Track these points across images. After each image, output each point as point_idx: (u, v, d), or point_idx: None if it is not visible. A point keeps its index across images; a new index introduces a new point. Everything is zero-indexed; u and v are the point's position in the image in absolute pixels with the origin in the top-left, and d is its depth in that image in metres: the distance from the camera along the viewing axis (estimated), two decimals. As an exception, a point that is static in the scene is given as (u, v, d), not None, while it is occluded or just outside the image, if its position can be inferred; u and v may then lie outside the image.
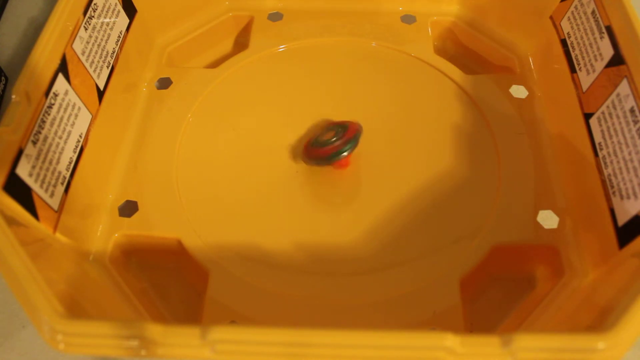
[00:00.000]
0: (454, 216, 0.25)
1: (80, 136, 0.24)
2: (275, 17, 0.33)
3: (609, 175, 0.23)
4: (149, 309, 0.23)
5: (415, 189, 0.26)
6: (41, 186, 0.21)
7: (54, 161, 0.22)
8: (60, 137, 0.23)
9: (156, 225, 0.25)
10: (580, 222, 0.24)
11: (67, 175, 0.23)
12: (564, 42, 0.28)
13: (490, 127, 0.28)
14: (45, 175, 0.22)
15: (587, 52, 0.26)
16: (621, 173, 0.22)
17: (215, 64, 0.31)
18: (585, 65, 0.26)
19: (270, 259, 0.24)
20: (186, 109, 0.29)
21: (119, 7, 0.28)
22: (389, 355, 0.15)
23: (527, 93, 0.29)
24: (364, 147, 0.27)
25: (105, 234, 0.24)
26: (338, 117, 0.29)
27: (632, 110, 0.22)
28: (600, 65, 0.24)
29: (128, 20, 0.29)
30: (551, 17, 0.29)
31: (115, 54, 0.28)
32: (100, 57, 0.26)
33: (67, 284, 0.20)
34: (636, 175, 0.21)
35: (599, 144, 0.24)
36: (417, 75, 0.30)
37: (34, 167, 0.21)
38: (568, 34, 0.27)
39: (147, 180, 0.26)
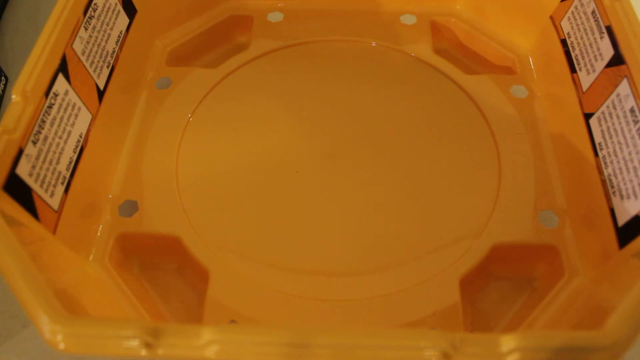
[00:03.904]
0: (454, 216, 0.25)
1: (81, 136, 0.24)
2: (275, 17, 0.33)
3: (609, 175, 0.23)
4: (149, 309, 0.23)
5: (415, 188, 0.26)
6: (41, 186, 0.21)
7: (54, 161, 0.22)
8: (60, 137, 0.23)
9: (156, 224, 0.25)
10: (580, 222, 0.24)
11: (67, 175, 0.23)
12: (564, 42, 0.28)
13: (490, 127, 0.28)
14: (45, 175, 0.22)
15: (587, 52, 0.26)
16: (621, 173, 0.22)
17: (215, 64, 0.31)
18: (585, 65, 0.26)
19: (271, 258, 0.24)
20: (186, 109, 0.29)
21: (119, 7, 0.28)
22: (389, 355, 0.15)
23: (527, 93, 0.29)
24: (364, 147, 0.27)
25: (105, 234, 0.24)
26: (337, 117, 0.29)
27: (632, 110, 0.22)
28: (600, 65, 0.24)
29: (128, 20, 0.29)
30: (551, 17, 0.29)
31: (115, 54, 0.28)
32: (100, 57, 0.26)
33: (67, 284, 0.20)
34: (636, 175, 0.21)
35: (599, 144, 0.24)
36: (417, 75, 0.30)
37: (34, 167, 0.21)
38: (568, 34, 0.27)
39: (147, 180, 0.26)
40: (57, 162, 0.22)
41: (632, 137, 0.22)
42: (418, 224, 0.25)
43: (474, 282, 0.24)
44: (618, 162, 0.22)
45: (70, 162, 0.23)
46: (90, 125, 0.25)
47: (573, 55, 0.27)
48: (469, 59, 0.33)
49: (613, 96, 0.23)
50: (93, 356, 0.16)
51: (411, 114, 0.29)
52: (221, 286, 0.23)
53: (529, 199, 0.25)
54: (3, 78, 0.31)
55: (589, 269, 0.23)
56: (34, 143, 0.21)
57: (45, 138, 0.22)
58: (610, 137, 0.23)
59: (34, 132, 0.21)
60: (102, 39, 0.27)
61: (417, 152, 0.27)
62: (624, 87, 0.22)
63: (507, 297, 0.24)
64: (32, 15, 0.36)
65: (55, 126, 0.22)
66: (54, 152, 0.22)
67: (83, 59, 0.25)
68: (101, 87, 0.26)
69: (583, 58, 0.26)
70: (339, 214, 0.25)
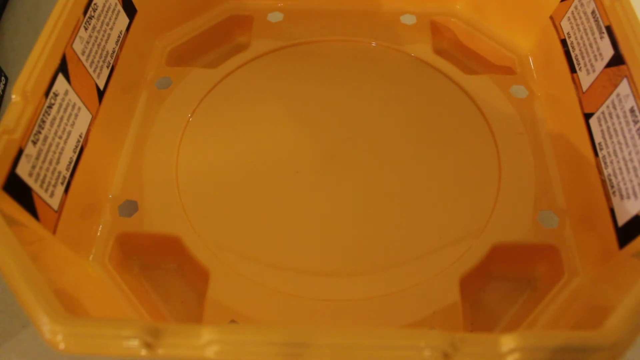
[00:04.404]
0: (454, 216, 0.25)
1: (80, 136, 0.24)
2: (275, 17, 0.33)
3: (609, 175, 0.23)
4: (149, 309, 0.23)
5: (414, 188, 0.26)
6: (41, 186, 0.21)
7: (54, 161, 0.22)
8: (60, 137, 0.23)
9: (156, 224, 0.25)
10: (580, 222, 0.24)
11: (67, 175, 0.23)
12: (564, 42, 0.28)
13: (490, 127, 0.28)
14: (45, 175, 0.22)
15: (587, 52, 0.26)
16: (621, 173, 0.22)
17: (215, 64, 0.31)
18: (585, 65, 0.26)
19: (271, 258, 0.24)
20: (186, 109, 0.29)
21: (119, 7, 0.28)
22: (389, 355, 0.15)
23: (527, 93, 0.29)
24: (364, 147, 0.27)
25: (105, 234, 0.24)
26: (337, 117, 0.29)
27: (632, 110, 0.22)
28: (600, 65, 0.24)
29: (128, 20, 0.29)
30: (551, 17, 0.29)
31: (115, 54, 0.28)
32: (100, 57, 0.26)
33: (67, 284, 0.20)
34: (636, 175, 0.21)
35: (599, 144, 0.24)
36: (417, 75, 0.30)
37: (34, 167, 0.21)
38: (568, 34, 0.27)
39: (147, 180, 0.26)
40: (57, 162, 0.22)
41: (632, 137, 0.22)
42: (418, 224, 0.25)
43: (474, 282, 0.24)
44: (618, 162, 0.22)
45: (70, 162, 0.23)
46: (90, 125, 0.25)
47: (573, 55, 0.27)
48: (469, 59, 0.33)
49: (613, 96, 0.23)
50: (93, 356, 0.16)
51: (411, 114, 0.29)
52: (221, 286, 0.23)
53: (529, 199, 0.25)
54: (3, 78, 0.31)
55: (589, 269, 0.23)
56: (34, 143, 0.21)
57: (45, 138, 0.22)
58: (610, 137, 0.23)
59: (34, 132, 0.21)
60: (102, 39, 0.27)
61: (417, 152, 0.27)
62: (624, 87, 0.22)
63: (507, 297, 0.24)
64: (32, 15, 0.36)
65: (55, 126, 0.22)
66: (54, 152, 0.22)
67: (83, 59, 0.25)
68: (101, 87, 0.26)
69: (583, 58, 0.26)
70: (339, 214, 0.25)
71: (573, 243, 0.24)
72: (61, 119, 0.23)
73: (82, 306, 0.19)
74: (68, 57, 0.24)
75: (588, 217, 0.24)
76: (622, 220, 0.21)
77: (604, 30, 0.24)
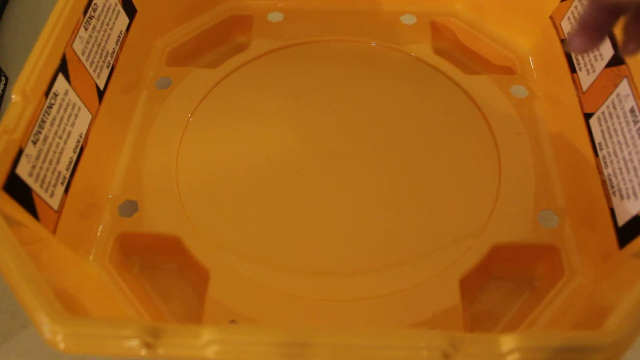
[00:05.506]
0: (454, 216, 0.25)
1: (80, 136, 0.24)
2: (275, 17, 0.33)
3: (609, 175, 0.23)
4: (149, 309, 0.23)
5: (415, 188, 0.26)
6: (41, 186, 0.21)
7: (54, 161, 0.22)
8: (60, 137, 0.23)
9: (156, 224, 0.25)
10: (580, 222, 0.24)
11: (67, 175, 0.23)
12: (564, 42, 0.28)
13: (490, 127, 0.28)
14: (45, 175, 0.22)
15: (587, 52, 0.26)
16: (621, 173, 0.22)
17: (215, 64, 0.31)
18: (585, 65, 0.26)
19: (271, 259, 0.24)
20: (186, 108, 0.29)
21: (119, 7, 0.28)
22: (389, 354, 0.15)
23: (527, 93, 0.29)
24: (363, 148, 0.27)
25: (105, 234, 0.24)
26: (337, 117, 0.29)
27: (632, 110, 0.22)
28: (600, 65, 0.24)
29: (128, 20, 0.29)
30: (551, 17, 0.29)
31: (115, 54, 0.28)
32: (100, 57, 0.26)
33: (67, 284, 0.20)
34: (636, 175, 0.21)
35: (599, 144, 0.24)
36: (417, 75, 0.30)
37: (34, 167, 0.21)
38: (568, 33, 0.27)
39: (147, 180, 0.26)
40: (57, 162, 0.22)
41: (632, 137, 0.22)
42: (418, 224, 0.25)
43: (474, 282, 0.24)
44: (618, 162, 0.22)
45: (70, 162, 0.23)
46: (90, 125, 0.25)
47: (573, 55, 0.27)
48: (469, 59, 0.33)
49: (613, 96, 0.23)
50: (93, 356, 0.16)
51: (411, 114, 0.29)
52: (221, 286, 0.23)
53: (529, 199, 0.25)
54: (3, 78, 0.31)
55: (589, 269, 0.23)
56: (34, 143, 0.21)
57: (45, 138, 0.22)
58: (610, 137, 0.23)
59: (34, 132, 0.21)
60: (102, 39, 0.27)
61: (417, 152, 0.27)
62: (624, 87, 0.22)
63: (507, 297, 0.24)
64: (32, 15, 0.36)
65: (55, 126, 0.22)
66: (54, 152, 0.22)
67: (83, 59, 0.25)
68: (101, 87, 0.26)
69: (583, 58, 0.26)
70: (339, 214, 0.25)
71: (573, 243, 0.24)
72: (61, 119, 0.23)
73: (82, 306, 0.19)
74: (68, 57, 0.24)
75: (588, 217, 0.24)
76: (622, 221, 0.21)
77: (604, 30, 0.24)
